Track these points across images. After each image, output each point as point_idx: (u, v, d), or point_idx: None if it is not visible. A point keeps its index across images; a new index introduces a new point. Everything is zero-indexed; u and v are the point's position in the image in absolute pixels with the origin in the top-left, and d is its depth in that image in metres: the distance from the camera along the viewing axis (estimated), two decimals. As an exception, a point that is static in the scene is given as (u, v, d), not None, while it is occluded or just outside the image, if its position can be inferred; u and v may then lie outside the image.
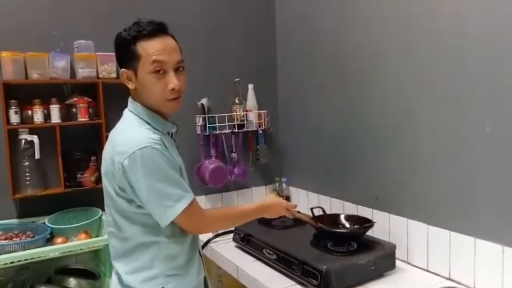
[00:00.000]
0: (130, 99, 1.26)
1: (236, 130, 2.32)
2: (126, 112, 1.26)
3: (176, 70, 1.18)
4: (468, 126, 1.46)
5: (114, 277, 1.29)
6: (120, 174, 1.13)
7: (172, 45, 1.18)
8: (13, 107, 1.78)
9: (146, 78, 1.15)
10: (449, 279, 1.56)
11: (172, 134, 1.29)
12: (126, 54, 1.16)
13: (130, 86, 1.20)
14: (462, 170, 1.49)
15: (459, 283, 1.51)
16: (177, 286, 1.23)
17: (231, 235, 2.04)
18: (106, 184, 1.21)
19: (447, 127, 1.53)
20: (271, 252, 1.71)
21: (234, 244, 2.01)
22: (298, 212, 1.61)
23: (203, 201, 2.30)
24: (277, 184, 2.44)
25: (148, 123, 1.20)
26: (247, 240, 1.89)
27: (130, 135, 1.16)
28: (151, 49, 1.14)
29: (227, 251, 1.93)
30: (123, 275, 1.23)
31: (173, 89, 1.17)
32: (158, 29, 1.16)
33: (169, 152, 1.17)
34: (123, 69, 1.19)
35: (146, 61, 1.14)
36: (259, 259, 1.80)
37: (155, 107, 1.21)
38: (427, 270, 1.64)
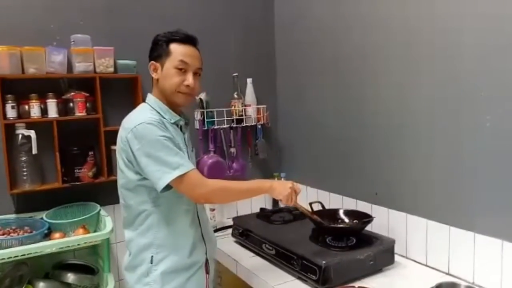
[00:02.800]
0: (148, 95, 1.45)
1: (235, 125, 2.31)
2: (140, 104, 1.46)
3: (194, 74, 1.40)
4: (467, 121, 1.45)
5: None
6: (127, 147, 1.31)
7: (197, 54, 1.42)
8: (10, 102, 1.76)
9: (170, 71, 1.37)
10: (448, 274, 1.56)
11: (181, 127, 1.44)
12: (159, 50, 1.38)
13: (155, 76, 1.40)
14: (462, 165, 1.48)
15: (458, 278, 1.51)
16: (165, 258, 1.36)
17: (230, 230, 2.03)
18: (118, 159, 1.38)
19: (447, 123, 1.52)
20: (270, 247, 1.71)
21: (233, 239, 2.00)
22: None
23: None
24: (275, 179, 2.44)
25: (157, 111, 1.38)
26: (246, 235, 1.88)
27: (135, 116, 1.36)
28: (180, 51, 1.37)
29: (225, 246, 1.93)
30: (126, 242, 1.43)
31: (187, 86, 1.38)
32: (190, 39, 1.40)
33: (169, 132, 1.33)
34: (152, 62, 1.40)
35: (174, 59, 1.36)
36: (258, 254, 1.80)
37: (168, 96, 1.39)
38: (426, 265, 1.64)
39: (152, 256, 1.36)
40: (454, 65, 1.48)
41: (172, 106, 1.41)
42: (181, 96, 1.39)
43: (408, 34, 1.63)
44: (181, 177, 1.26)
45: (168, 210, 1.37)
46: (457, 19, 1.46)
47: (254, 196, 1.50)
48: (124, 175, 1.36)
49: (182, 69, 1.37)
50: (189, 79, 1.37)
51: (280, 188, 1.42)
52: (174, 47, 1.37)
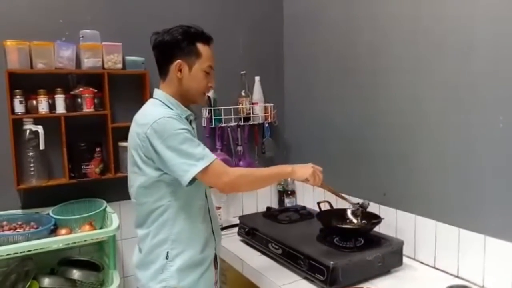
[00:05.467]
0: (155, 90, 1.43)
1: (242, 123, 2.30)
2: (149, 100, 1.44)
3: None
4: (480, 122, 1.43)
5: (136, 245, 1.45)
6: (146, 144, 1.28)
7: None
8: (18, 97, 1.76)
9: (199, 73, 1.37)
10: (457, 276, 1.54)
11: (190, 121, 1.43)
12: (186, 49, 1.35)
13: (179, 75, 1.36)
14: (473, 166, 1.46)
15: (467, 281, 1.49)
16: (180, 253, 1.35)
17: (236, 228, 2.02)
18: (134, 157, 1.34)
19: (458, 123, 1.50)
20: (277, 247, 1.69)
21: (239, 238, 1.99)
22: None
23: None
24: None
25: (167, 106, 1.37)
26: (252, 234, 1.87)
27: (150, 111, 1.35)
28: (208, 54, 1.38)
29: (231, 245, 1.92)
30: (138, 240, 1.41)
31: (211, 87, 1.43)
32: (211, 40, 1.41)
33: (188, 125, 1.33)
34: (179, 60, 1.35)
35: (204, 61, 1.37)
36: (264, 253, 1.79)
37: (191, 96, 1.40)
38: (434, 268, 1.62)
39: (167, 252, 1.34)
40: (466, 65, 1.46)
41: (186, 103, 1.41)
42: (204, 97, 1.45)
43: (420, 33, 1.61)
44: (206, 168, 1.26)
45: (185, 203, 1.36)
46: (469, 19, 1.44)
47: (277, 182, 1.51)
48: (143, 172, 1.33)
49: (208, 73, 1.39)
50: (212, 81, 1.41)
51: (302, 170, 1.44)
52: (203, 49, 1.37)
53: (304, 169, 1.45)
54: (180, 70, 1.36)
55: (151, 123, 1.27)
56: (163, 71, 1.40)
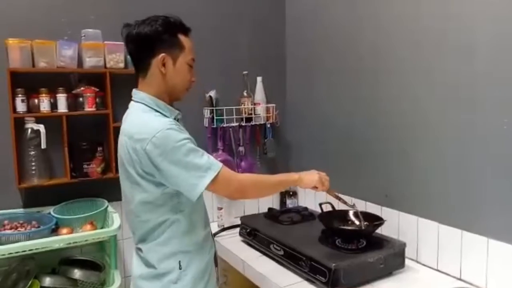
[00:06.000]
0: (134, 91, 1.32)
1: (244, 124, 2.29)
2: (132, 104, 1.33)
3: None
4: (484, 124, 1.42)
5: (135, 255, 1.38)
6: (145, 160, 1.19)
7: None
8: (20, 96, 1.76)
9: (184, 67, 1.29)
10: (460, 279, 1.53)
11: (178, 120, 1.35)
12: (172, 40, 1.26)
13: (163, 70, 1.26)
14: (476, 168, 1.45)
15: (470, 284, 1.48)
16: (192, 260, 1.31)
17: (237, 229, 2.02)
18: (130, 173, 1.24)
19: (462, 124, 1.49)
20: (278, 248, 1.69)
21: (240, 238, 1.99)
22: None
23: (209, 195, 2.27)
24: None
25: (156, 110, 1.27)
26: (253, 235, 1.86)
27: (145, 122, 1.23)
28: (190, 45, 1.30)
29: (233, 246, 1.91)
30: (143, 253, 1.31)
31: (193, 82, 1.35)
32: (190, 31, 1.33)
33: (186, 132, 1.26)
34: (163, 54, 1.25)
35: (187, 54, 1.29)
36: (265, 254, 1.78)
37: (176, 93, 1.32)
38: (437, 270, 1.61)
39: (179, 261, 1.28)
40: (468, 65, 1.45)
41: (170, 101, 1.32)
42: (186, 92, 1.35)
43: (422, 34, 1.60)
44: (216, 177, 1.20)
45: (190, 212, 1.30)
46: (471, 19, 1.43)
47: (283, 189, 1.48)
48: (143, 189, 1.24)
49: (191, 66, 1.32)
50: (194, 75, 1.34)
51: (309, 177, 1.44)
52: (185, 40, 1.28)
53: (310, 176, 1.45)
54: (164, 65, 1.26)
55: (150, 138, 1.17)
56: (142, 67, 1.28)
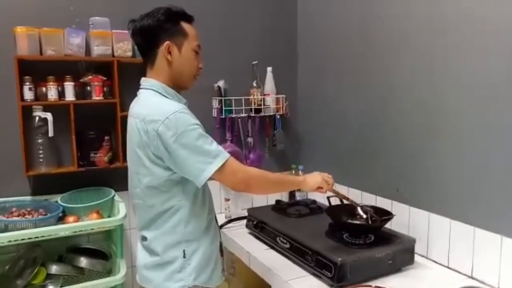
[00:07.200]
0: (143, 79, 1.34)
1: (253, 114, 2.26)
2: (141, 91, 1.34)
3: None
4: (498, 121, 1.37)
5: (139, 245, 1.39)
6: (156, 142, 1.20)
7: None
8: (27, 84, 1.76)
9: (190, 54, 1.31)
10: (471, 277, 1.48)
11: None
12: (175, 28, 1.28)
13: (169, 58, 1.28)
14: (491, 165, 1.40)
15: (482, 282, 1.43)
16: (196, 249, 1.31)
17: (244, 221, 2.00)
18: (140, 156, 1.25)
19: (476, 122, 1.44)
20: (285, 241, 1.66)
21: (247, 230, 1.97)
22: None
23: (217, 186, 2.25)
24: (293, 172, 2.38)
25: (166, 97, 1.29)
26: (260, 227, 1.84)
27: (158, 105, 1.25)
28: (194, 32, 1.32)
29: (239, 238, 1.89)
30: (148, 242, 1.32)
31: (201, 68, 1.35)
32: (193, 19, 1.34)
33: (196, 118, 1.26)
34: (167, 42, 1.27)
35: (192, 40, 1.31)
36: (272, 247, 1.76)
37: (183, 80, 1.33)
38: (447, 267, 1.57)
39: (184, 250, 1.29)
40: (483, 64, 1.39)
41: (177, 89, 1.33)
42: (194, 79, 1.36)
43: (437, 33, 1.55)
44: (223, 165, 1.21)
45: (194, 199, 1.30)
46: (484, 19, 1.38)
47: (288, 190, 1.47)
48: (150, 171, 1.25)
49: (197, 53, 1.33)
50: (201, 61, 1.35)
51: (312, 179, 1.44)
52: (188, 27, 1.30)
53: (314, 178, 1.44)
54: (170, 52, 1.28)
55: (163, 119, 1.18)
56: (150, 58, 1.30)
